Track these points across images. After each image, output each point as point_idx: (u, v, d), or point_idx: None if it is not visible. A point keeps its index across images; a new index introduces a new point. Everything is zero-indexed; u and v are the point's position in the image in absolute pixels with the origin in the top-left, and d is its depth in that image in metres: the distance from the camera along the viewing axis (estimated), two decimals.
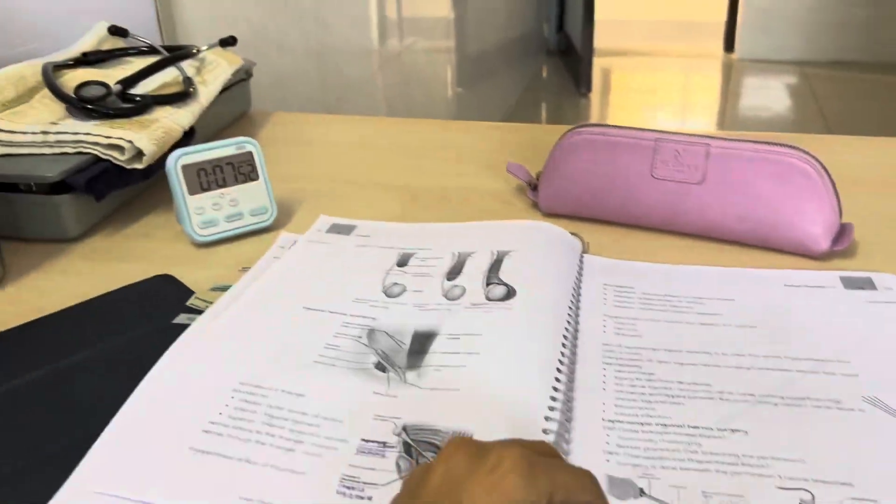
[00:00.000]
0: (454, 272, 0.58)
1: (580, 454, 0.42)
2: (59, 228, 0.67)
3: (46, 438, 0.43)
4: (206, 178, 0.66)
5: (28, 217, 0.67)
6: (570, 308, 0.54)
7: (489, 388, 0.46)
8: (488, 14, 2.98)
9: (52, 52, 0.84)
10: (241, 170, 0.67)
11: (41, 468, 0.41)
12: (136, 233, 0.70)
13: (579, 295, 0.57)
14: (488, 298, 0.54)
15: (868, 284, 0.58)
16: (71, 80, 0.77)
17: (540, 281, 0.56)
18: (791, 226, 0.61)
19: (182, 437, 0.43)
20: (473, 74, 2.80)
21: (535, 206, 0.72)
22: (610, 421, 0.45)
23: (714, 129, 3.52)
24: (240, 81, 0.95)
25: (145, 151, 0.68)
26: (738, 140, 0.62)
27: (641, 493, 0.40)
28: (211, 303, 0.56)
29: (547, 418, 0.43)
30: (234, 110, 0.96)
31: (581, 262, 0.61)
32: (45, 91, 0.75)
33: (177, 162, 0.65)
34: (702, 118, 3.67)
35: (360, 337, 0.52)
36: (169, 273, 0.61)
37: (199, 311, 0.55)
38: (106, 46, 0.88)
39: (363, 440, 0.42)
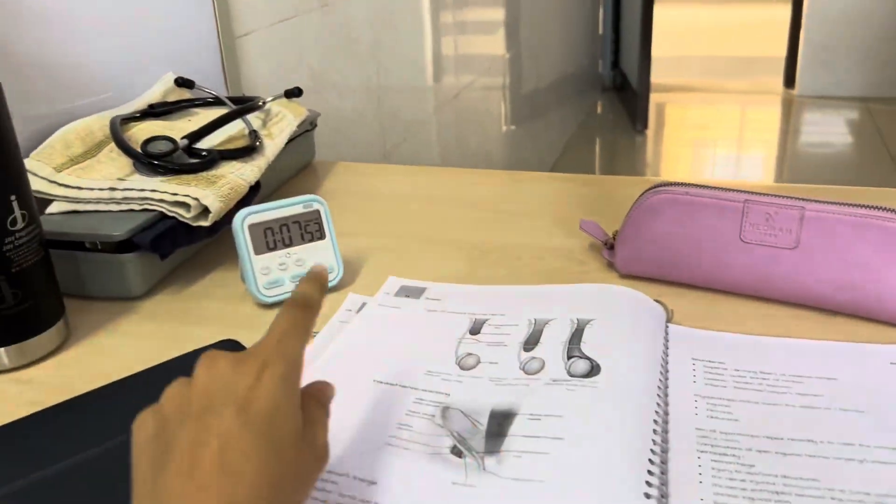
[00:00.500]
0: (531, 342, 0.55)
1: None
2: (123, 287, 0.66)
3: None
4: (273, 237, 0.64)
5: (93, 275, 0.66)
6: (658, 387, 0.50)
7: (576, 479, 0.42)
8: (543, 51, 2.97)
9: (120, 102, 0.84)
10: (307, 229, 0.66)
11: None
12: (200, 292, 0.68)
13: (667, 371, 0.53)
14: (570, 374, 0.51)
15: None
16: (138, 132, 0.77)
17: (625, 355, 0.52)
18: None
19: None
20: (528, 112, 2.78)
21: (611, 266, 0.68)
22: None
23: (773, 165, 3.44)
24: (304, 132, 0.94)
25: (211, 209, 0.66)
26: (836, 203, 0.58)
27: None
28: None
29: None
30: (298, 161, 0.95)
31: (666, 332, 0.57)
32: (113, 145, 0.74)
33: (243, 221, 0.63)
34: (760, 153, 3.60)
35: (433, 416, 0.49)
36: (233, 337, 0.59)
37: None
38: (172, 97, 0.87)
39: None
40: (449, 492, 0.42)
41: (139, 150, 0.72)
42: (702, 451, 0.46)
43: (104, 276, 0.66)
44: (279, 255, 0.64)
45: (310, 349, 0.56)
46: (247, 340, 0.58)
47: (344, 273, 0.68)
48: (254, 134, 0.80)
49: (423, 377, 0.53)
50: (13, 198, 0.54)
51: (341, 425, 0.48)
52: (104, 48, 0.81)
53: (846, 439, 0.46)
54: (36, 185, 0.67)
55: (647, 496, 0.41)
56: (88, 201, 0.67)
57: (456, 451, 0.45)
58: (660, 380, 0.51)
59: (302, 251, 0.65)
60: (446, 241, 0.76)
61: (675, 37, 5.58)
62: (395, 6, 1.50)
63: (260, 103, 0.85)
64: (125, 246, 0.64)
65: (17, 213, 0.55)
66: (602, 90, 4.51)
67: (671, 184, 0.63)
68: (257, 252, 0.64)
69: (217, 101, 0.89)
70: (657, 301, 0.60)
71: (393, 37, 1.50)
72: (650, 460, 0.43)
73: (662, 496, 0.42)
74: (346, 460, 0.45)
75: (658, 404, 0.48)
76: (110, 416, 0.50)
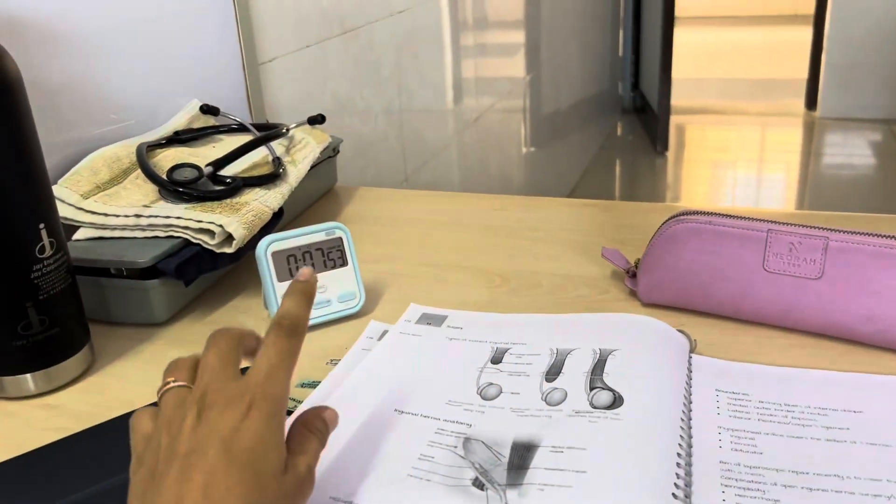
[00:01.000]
0: (553, 372, 0.55)
1: None
2: (147, 313, 0.66)
3: None
4: (296, 264, 0.65)
5: (117, 301, 0.67)
6: (682, 419, 0.50)
7: None
8: (563, 74, 2.98)
9: (146, 129, 0.85)
10: (330, 256, 0.66)
11: None
12: (223, 319, 0.69)
13: (690, 402, 0.53)
14: (593, 406, 0.51)
15: None
16: (163, 159, 0.78)
17: (649, 386, 0.52)
18: None
19: None
20: (549, 134, 2.79)
21: (634, 294, 0.68)
22: None
23: (796, 188, 3.41)
24: (327, 158, 0.94)
25: (235, 236, 0.67)
26: (861, 233, 0.58)
27: None
28: (299, 402, 0.54)
29: None
30: (320, 187, 0.95)
31: (689, 362, 0.57)
32: (139, 172, 0.75)
33: (267, 249, 0.64)
34: (782, 175, 3.58)
35: (455, 447, 0.48)
36: None
37: (289, 412, 0.52)
38: (197, 124, 0.89)
39: None
40: None
41: (165, 177, 0.73)
42: (726, 486, 0.45)
43: (129, 302, 0.66)
44: None
45: (329, 378, 0.56)
46: None
47: (366, 300, 0.68)
48: (277, 161, 0.81)
49: (444, 407, 0.53)
50: (42, 226, 0.55)
51: (362, 456, 0.48)
52: (131, 76, 0.83)
53: (873, 474, 0.46)
54: (63, 211, 0.68)
55: None
56: (114, 228, 0.68)
57: (478, 484, 0.45)
58: (683, 411, 0.50)
59: (324, 278, 0.66)
60: (467, 268, 0.76)
61: (695, 59, 5.58)
62: (417, 30, 1.51)
63: (283, 130, 0.86)
64: (150, 272, 0.65)
65: (46, 241, 0.55)
66: (622, 112, 4.52)
67: (694, 212, 0.63)
68: (280, 279, 0.64)
69: (241, 128, 0.90)
70: (680, 331, 0.60)
71: (414, 61, 1.51)
72: (673, 494, 0.43)
73: None
74: (368, 492, 0.45)
75: (681, 437, 0.48)
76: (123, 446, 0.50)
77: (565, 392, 0.53)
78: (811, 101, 4.32)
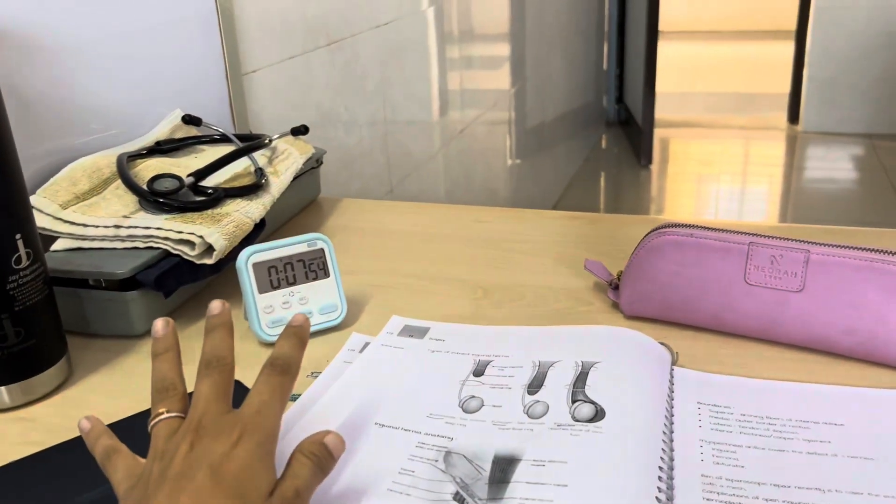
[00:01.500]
0: (535, 385, 0.55)
1: None
2: (126, 325, 0.66)
3: None
4: (277, 275, 0.64)
5: (96, 313, 0.66)
6: (664, 432, 0.49)
7: None
8: (548, 86, 2.99)
9: (128, 139, 0.85)
10: (311, 267, 0.66)
11: None
12: (202, 331, 0.68)
13: (672, 415, 0.53)
14: (575, 419, 0.50)
15: None
16: (144, 169, 0.77)
17: (631, 399, 0.52)
18: None
19: None
20: (533, 146, 2.80)
21: (616, 306, 0.68)
22: None
23: (778, 201, 3.44)
24: (310, 169, 0.94)
25: (216, 247, 0.66)
26: (842, 246, 0.58)
27: None
28: None
29: None
30: (303, 198, 0.95)
31: (671, 375, 0.57)
32: (120, 182, 0.74)
33: (248, 260, 0.63)
34: (764, 189, 3.60)
35: (436, 461, 0.48)
36: (235, 376, 0.59)
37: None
38: (180, 134, 0.88)
39: None
40: None
41: (145, 187, 0.72)
42: (708, 499, 0.45)
43: (107, 313, 0.66)
44: (283, 293, 0.64)
45: (309, 391, 0.56)
46: (249, 379, 0.58)
47: (348, 312, 0.67)
48: (259, 172, 0.80)
49: (425, 420, 0.52)
50: (18, 237, 0.54)
51: (342, 470, 0.47)
52: (112, 85, 0.82)
53: (854, 488, 0.46)
54: (42, 221, 0.68)
55: None
56: (93, 238, 0.68)
57: (458, 498, 0.45)
58: (665, 424, 0.50)
59: (306, 289, 0.65)
60: (450, 280, 0.76)
61: (679, 73, 5.62)
62: (402, 42, 1.51)
63: (266, 141, 0.86)
64: (129, 283, 0.64)
65: (22, 251, 0.55)
66: (607, 125, 4.54)
67: (675, 225, 0.63)
68: (261, 290, 0.64)
69: (224, 139, 0.89)
70: (662, 343, 0.60)
71: (399, 73, 1.51)
72: None
73: None
74: None
75: (663, 450, 0.48)
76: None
77: (547, 405, 0.52)
78: (794, 115, 4.36)
